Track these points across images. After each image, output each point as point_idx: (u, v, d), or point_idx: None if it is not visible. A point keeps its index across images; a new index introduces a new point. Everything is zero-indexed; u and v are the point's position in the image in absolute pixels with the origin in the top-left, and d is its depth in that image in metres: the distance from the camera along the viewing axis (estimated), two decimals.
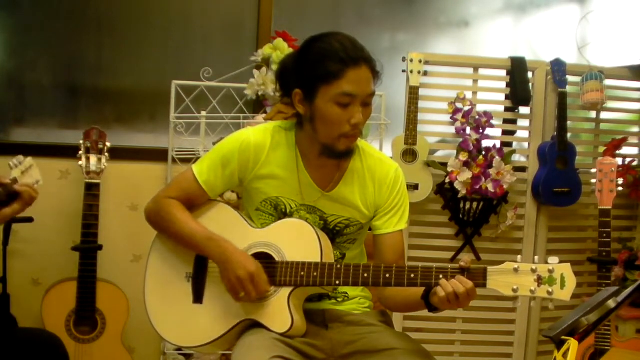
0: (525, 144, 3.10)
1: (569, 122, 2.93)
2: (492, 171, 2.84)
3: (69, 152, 2.79)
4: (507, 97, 3.05)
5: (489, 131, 2.91)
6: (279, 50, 2.87)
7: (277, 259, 1.74)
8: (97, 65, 3.09)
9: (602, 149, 3.06)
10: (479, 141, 2.86)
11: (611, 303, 1.33)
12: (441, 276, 1.60)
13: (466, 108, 2.91)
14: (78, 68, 3.09)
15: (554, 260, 1.58)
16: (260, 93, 2.90)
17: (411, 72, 2.84)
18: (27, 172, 1.87)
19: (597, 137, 3.19)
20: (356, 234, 1.86)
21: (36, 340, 1.98)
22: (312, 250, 1.71)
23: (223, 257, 1.71)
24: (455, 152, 2.88)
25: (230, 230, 1.78)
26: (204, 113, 2.89)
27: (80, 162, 2.68)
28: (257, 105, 3.05)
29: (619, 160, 2.96)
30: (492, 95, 3.09)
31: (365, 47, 1.69)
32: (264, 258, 1.73)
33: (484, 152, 2.86)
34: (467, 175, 2.83)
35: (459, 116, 2.90)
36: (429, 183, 2.88)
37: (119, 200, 2.97)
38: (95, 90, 3.12)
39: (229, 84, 2.94)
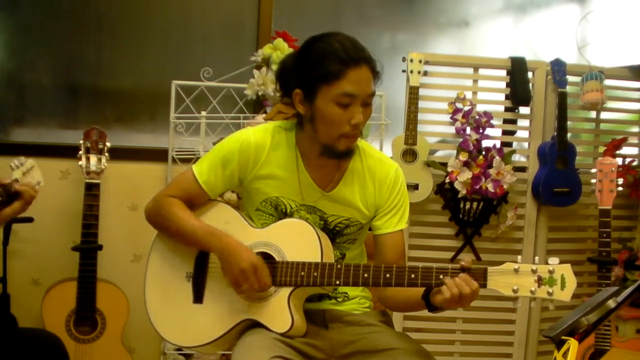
0: (525, 144, 3.10)
1: (569, 122, 2.93)
2: (492, 171, 2.84)
3: (69, 152, 2.79)
4: (507, 97, 3.04)
5: (489, 131, 2.91)
6: (279, 50, 2.87)
7: (277, 258, 1.74)
8: (97, 65, 3.09)
9: (602, 149, 3.06)
10: (479, 141, 2.86)
11: (611, 303, 1.33)
12: (443, 276, 1.60)
13: (466, 108, 2.91)
14: (78, 68, 3.09)
15: (554, 260, 1.58)
16: (260, 93, 2.90)
17: (411, 72, 2.84)
18: (28, 173, 1.87)
19: (597, 137, 3.19)
20: (356, 234, 1.86)
21: (36, 340, 1.97)
22: (312, 250, 1.71)
23: (225, 251, 1.71)
24: (455, 152, 2.87)
25: (230, 230, 1.77)
26: (204, 113, 2.89)
27: (80, 162, 2.68)
28: (257, 105, 3.05)
29: (619, 160, 2.96)
30: (492, 95, 3.09)
31: (366, 47, 1.69)
32: (264, 258, 1.73)
33: (484, 152, 2.86)
34: (467, 175, 2.83)
35: (459, 116, 2.90)
36: (429, 183, 2.88)
37: (119, 200, 2.97)
38: (95, 90, 3.12)
39: (229, 84, 2.94)
